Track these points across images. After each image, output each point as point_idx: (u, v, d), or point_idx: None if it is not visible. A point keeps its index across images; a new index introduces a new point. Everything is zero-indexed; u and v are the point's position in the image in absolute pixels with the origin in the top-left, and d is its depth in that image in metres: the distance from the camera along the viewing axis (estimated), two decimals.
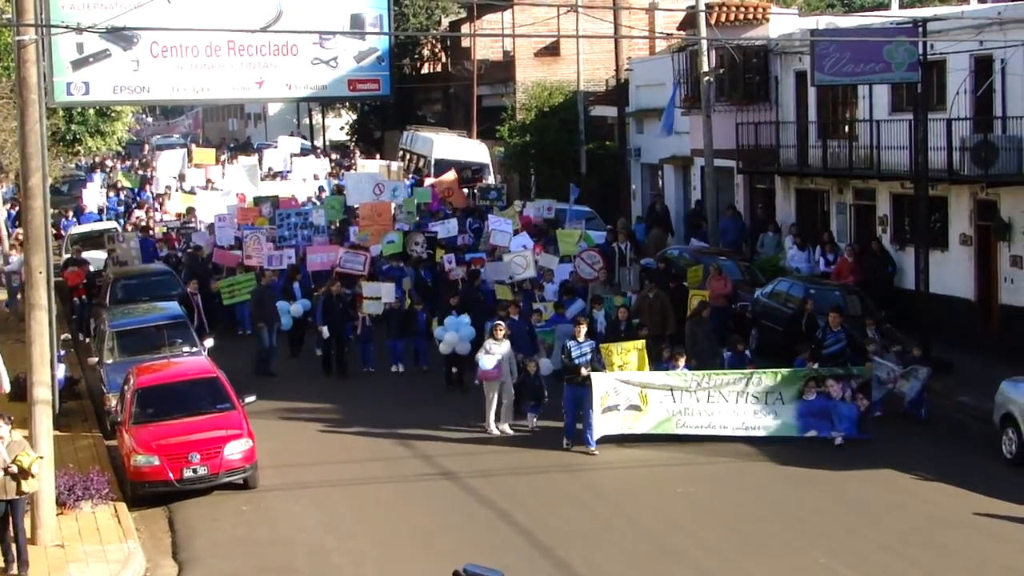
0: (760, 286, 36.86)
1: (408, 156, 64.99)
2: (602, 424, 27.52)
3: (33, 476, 21.08)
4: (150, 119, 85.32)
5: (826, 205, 42.86)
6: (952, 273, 36.33)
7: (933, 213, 36.51)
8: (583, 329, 28.37)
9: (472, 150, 61.58)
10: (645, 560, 21.78)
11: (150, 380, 27.40)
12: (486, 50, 72.40)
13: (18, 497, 21.20)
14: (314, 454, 28.29)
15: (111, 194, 61.71)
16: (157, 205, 57.67)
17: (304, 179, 59.58)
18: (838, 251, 38.92)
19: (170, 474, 25.06)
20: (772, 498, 24.78)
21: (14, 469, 20.87)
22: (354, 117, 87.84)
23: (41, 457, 21.65)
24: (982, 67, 35.09)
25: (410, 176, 56.45)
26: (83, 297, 40.83)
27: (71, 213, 55.83)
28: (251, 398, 27.58)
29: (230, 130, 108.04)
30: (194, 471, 25.19)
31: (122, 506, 24.63)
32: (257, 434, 26.43)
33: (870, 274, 37.10)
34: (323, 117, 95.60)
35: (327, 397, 32.73)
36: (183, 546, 23.34)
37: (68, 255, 45.42)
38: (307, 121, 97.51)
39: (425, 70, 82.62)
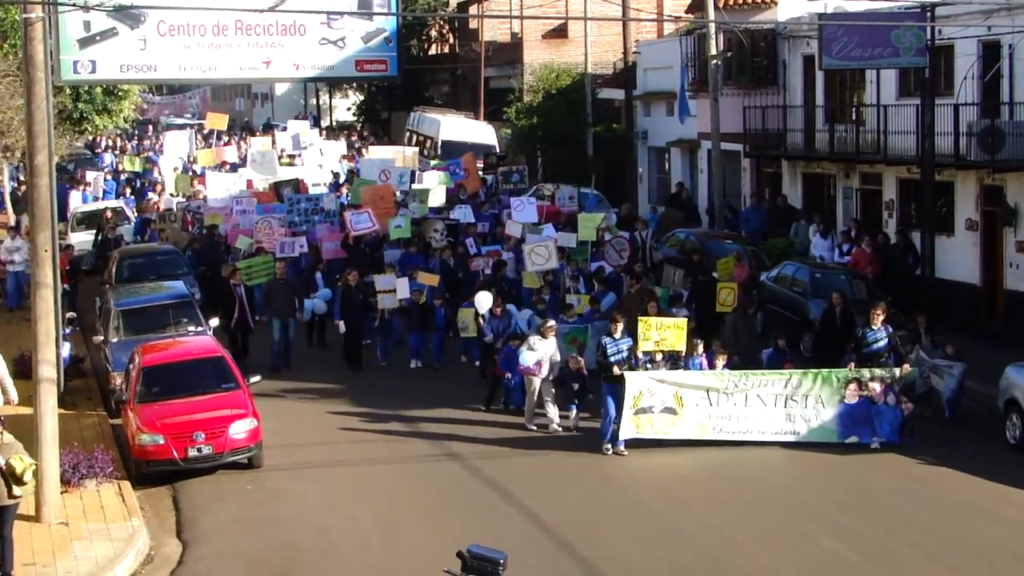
0: (767, 270, 36.81)
1: (415, 137, 64.91)
2: (634, 426, 26.34)
3: (25, 483, 20.68)
4: (157, 98, 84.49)
5: (832, 189, 42.85)
6: (958, 258, 36.31)
7: (939, 198, 36.49)
8: (620, 326, 26.84)
9: (479, 132, 61.53)
10: (647, 541, 21.80)
11: (155, 359, 27.40)
12: (494, 32, 72.31)
13: (9, 503, 20.61)
14: (319, 434, 28.29)
15: (108, 177, 61.08)
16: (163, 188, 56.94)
17: (320, 164, 58.19)
18: (857, 241, 38.38)
19: (175, 453, 25.08)
20: (776, 482, 24.81)
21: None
22: (361, 98, 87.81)
23: (34, 464, 21.32)
24: (990, 52, 35.06)
25: (423, 161, 55.29)
26: (65, 286, 39.49)
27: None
28: (256, 378, 27.59)
29: (237, 110, 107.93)
30: (199, 450, 25.21)
31: (126, 484, 24.66)
32: (263, 414, 26.44)
33: (890, 264, 36.35)
34: (330, 98, 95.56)
35: (336, 381, 32.55)
36: (187, 525, 23.37)
37: (101, 234, 44.74)
38: (314, 101, 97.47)
39: (433, 51, 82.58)
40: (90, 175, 57.38)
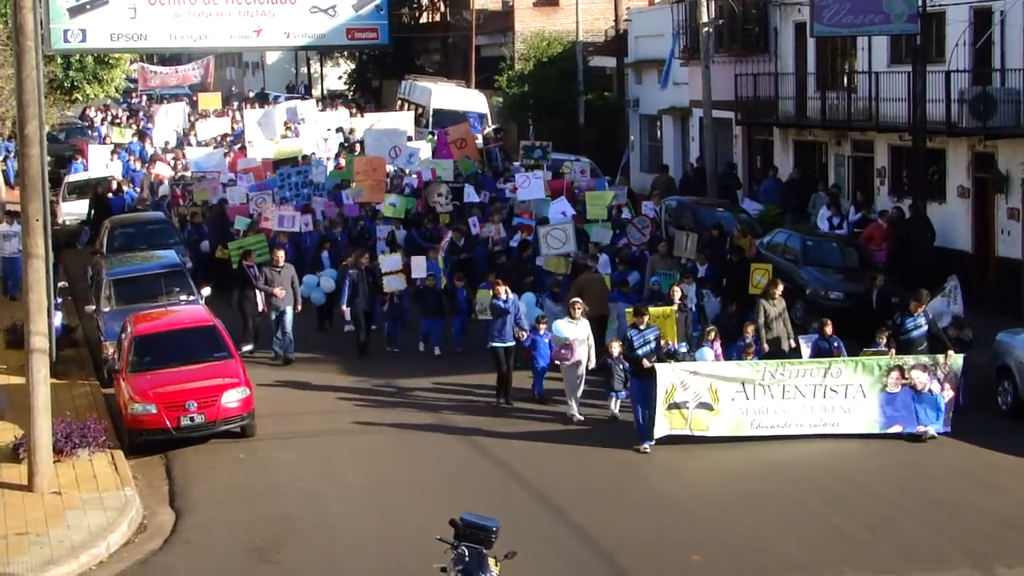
0: (758, 237, 36.74)
1: (407, 106, 64.74)
2: (667, 423, 24.70)
3: None
4: (161, 69, 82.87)
5: (824, 157, 42.84)
6: (949, 225, 36.30)
7: (931, 165, 36.48)
8: (646, 318, 25.28)
9: (471, 100, 61.38)
10: (639, 509, 21.86)
11: (147, 328, 27.38)
12: None
13: None
14: (313, 404, 28.28)
15: (119, 152, 60.04)
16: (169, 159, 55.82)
17: (326, 138, 54.89)
18: (845, 213, 37.86)
19: (167, 422, 25.07)
20: (768, 451, 24.75)
21: None
22: (352, 66, 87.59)
23: None
24: (981, 19, 35.01)
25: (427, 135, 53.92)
26: None
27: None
28: (248, 347, 27.58)
29: (228, 79, 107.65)
30: (191, 419, 25.21)
31: (119, 454, 24.67)
32: (255, 384, 26.47)
33: (908, 239, 35.31)
34: (321, 66, 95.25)
35: (337, 359, 32.01)
36: (180, 494, 23.40)
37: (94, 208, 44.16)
38: (305, 70, 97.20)
39: (424, 19, 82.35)
40: (93, 155, 56.20)
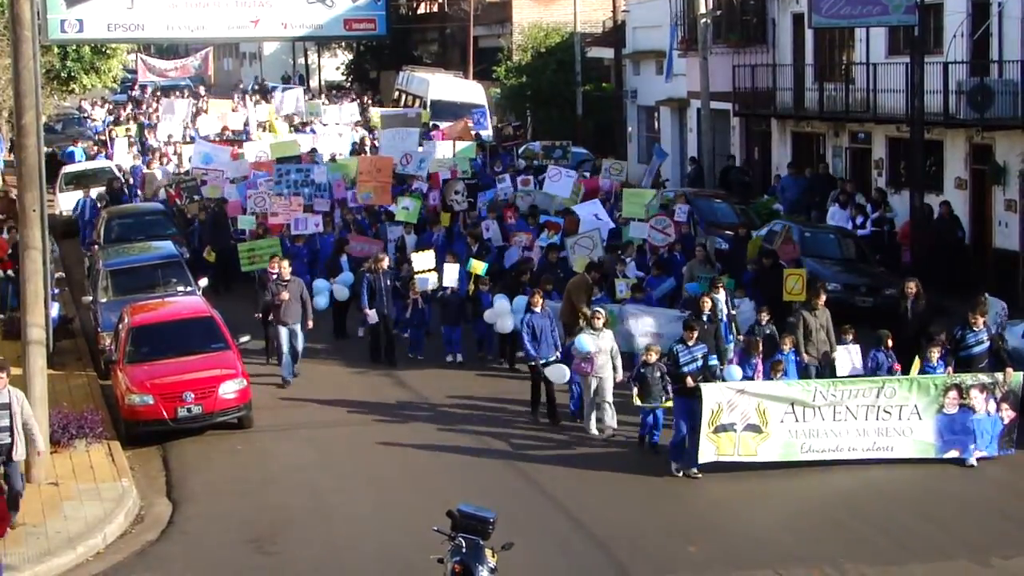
0: (756, 229, 36.67)
1: (404, 97, 64.79)
2: (715, 447, 22.76)
3: None
4: (158, 63, 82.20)
5: (822, 148, 42.84)
6: None
7: (928, 157, 36.46)
8: (695, 333, 23.49)
9: (468, 91, 61.40)
10: (640, 502, 21.83)
11: (144, 319, 27.35)
12: None
13: None
14: (310, 395, 28.25)
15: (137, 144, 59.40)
16: (171, 155, 55.21)
17: (340, 134, 54.06)
18: (868, 213, 37.07)
19: (164, 413, 25.04)
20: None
21: None
22: (350, 57, 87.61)
23: None
24: (979, 10, 35.02)
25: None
26: (8, 271, 33.48)
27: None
28: (245, 338, 27.52)
29: (225, 70, 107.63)
30: (188, 410, 25.18)
31: (116, 445, 24.65)
32: (252, 375, 26.45)
33: (939, 239, 34.78)
34: (319, 57, 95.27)
35: (338, 352, 31.74)
36: (177, 485, 23.37)
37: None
38: (303, 61, 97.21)
39: (421, 10, 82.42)
40: (118, 150, 55.45)
